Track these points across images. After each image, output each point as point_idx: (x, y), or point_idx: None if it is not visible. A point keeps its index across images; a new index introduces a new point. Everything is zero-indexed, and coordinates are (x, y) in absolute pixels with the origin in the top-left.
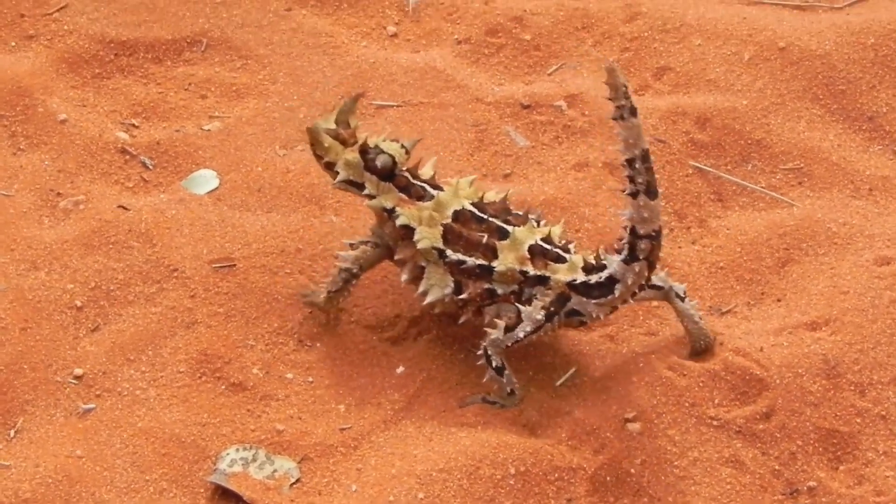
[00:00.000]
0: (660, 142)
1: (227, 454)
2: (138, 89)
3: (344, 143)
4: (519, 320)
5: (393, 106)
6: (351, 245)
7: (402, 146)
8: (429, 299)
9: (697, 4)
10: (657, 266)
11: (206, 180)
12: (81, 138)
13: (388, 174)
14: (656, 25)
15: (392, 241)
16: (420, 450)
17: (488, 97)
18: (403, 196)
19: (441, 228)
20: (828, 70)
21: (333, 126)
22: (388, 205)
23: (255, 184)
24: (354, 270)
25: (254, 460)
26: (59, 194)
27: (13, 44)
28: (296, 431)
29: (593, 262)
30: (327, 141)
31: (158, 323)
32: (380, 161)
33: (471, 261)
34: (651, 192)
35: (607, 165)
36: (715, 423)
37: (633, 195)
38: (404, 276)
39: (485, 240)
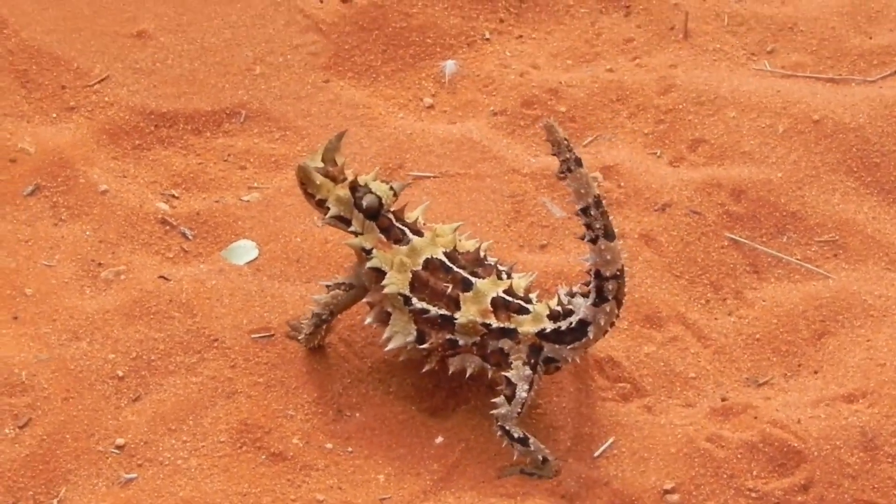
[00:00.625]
0: (695, 213)
1: None
2: (178, 160)
3: (334, 179)
4: (512, 385)
5: (430, 177)
6: (328, 287)
7: (391, 188)
8: (391, 346)
9: (731, 77)
10: (623, 302)
11: (245, 251)
12: (122, 209)
13: (374, 214)
14: (691, 98)
15: (367, 281)
16: None
17: (524, 168)
18: (382, 238)
19: (410, 275)
20: (861, 143)
21: (321, 164)
22: (367, 245)
23: (294, 254)
24: (324, 316)
25: None
26: (100, 265)
27: (54, 115)
28: (336, 501)
29: (559, 308)
30: (318, 178)
31: (199, 393)
32: (366, 200)
33: (434, 310)
34: (609, 235)
35: (643, 237)
36: (753, 494)
37: (594, 241)
38: (369, 319)
39: (449, 290)
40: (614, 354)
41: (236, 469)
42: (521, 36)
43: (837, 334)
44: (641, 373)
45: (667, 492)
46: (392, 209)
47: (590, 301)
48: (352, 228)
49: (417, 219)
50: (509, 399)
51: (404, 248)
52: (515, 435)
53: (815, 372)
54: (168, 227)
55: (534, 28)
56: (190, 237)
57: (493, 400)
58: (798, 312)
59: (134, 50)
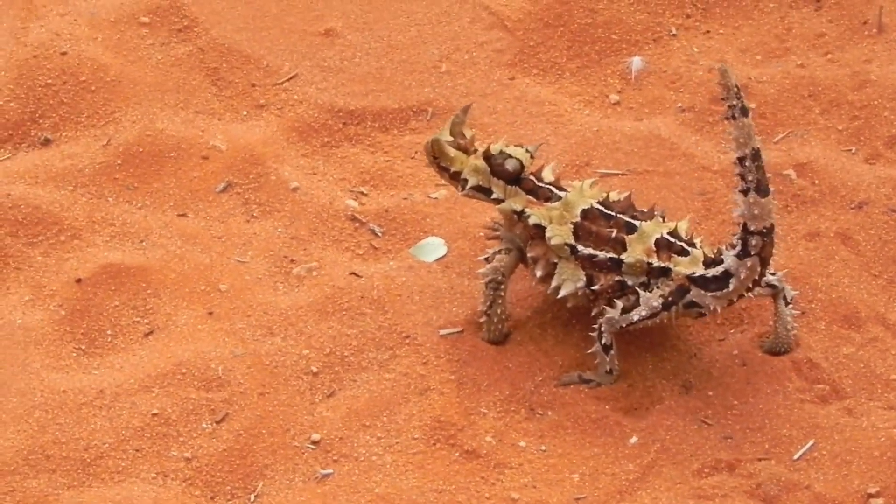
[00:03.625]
0: (893, 212)
1: None
2: (366, 157)
3: (466, 151)
4: (636, 304)
5: (618, 174)
6: (486, 259)
7: (527, 150)
8: (563, 293)
9: None
10: (770, 263)
11: (434, 248)
12: (312, 206)
13: (516, 178)
14: (886, 93)
15: (523, 241)
16: None
17: (714, 165)
18: (531, 198)
19: (571, 226)
20: None
21: (451, 138)
22: (518, 207)
23: (482, 252)
24: (499, 279)
25: None
26: (292, 261)
27: (245, 113)
28: (531, 500)
29: (713, 256)
30: (452, 151)
31: (392, 389)
32: (509, 165)
33: (601, 254)
34: (762, 190)
35: (839, 235)
36: None
37: (744, 192)
38: (538, 273)
39: (614, 234)
40: (812, 356)
41: (431, 466)
42: (708, 31)
43: None
44: (841, 374)
45: (871, 496)
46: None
47: (734, 252)
48: (493, 196)
49: (556, 178)
50: (625, 310)
51: (557, 204)
52: (605, 340)
53: None
54: (358, 224)
55: (721, 23)
56: (379, 234)
57: (612, 301)
58: None
59: (322, 48)
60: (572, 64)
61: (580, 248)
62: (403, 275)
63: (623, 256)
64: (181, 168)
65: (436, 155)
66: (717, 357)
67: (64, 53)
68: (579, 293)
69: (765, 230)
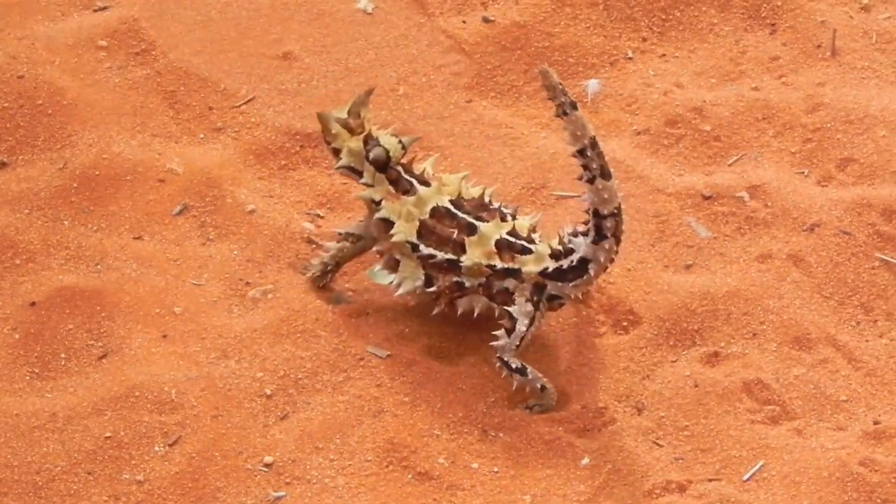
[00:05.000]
0: (845, 234)
1: None
2: (323, 180)
3: (351, 131)
4: (513, 320)
5: (573, 196)
6: (339, 234)
7: (400, 141)
8: (401, 291)
9: (881, 95)
10: (621, 240)
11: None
12: (269, 228)
13: (381, 166)
14: (839, 116)
15: (375, 232)
16: None
17: (669, 188)
18: (391, 189)
19: (417, 223)
20: None
21: (345, 116)
22: (377, 197)
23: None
24: (330, 266)
25: None
26: (247, 284)
27: (202, 136)
28: None
29: (560, 247)
30: (335, 128)
31: (346, 411)
32: (373, 153)
33: (440, 255)
34: (606, 175)
35: (792, 257)
36: None
37: (591, 181)
38: (378, 267)
39: (455, 235)
40: (763, 376)
41: (383, 488)
42: (664, 55)
43: None
44: (791, 395)
45: None
46: (401, 162)
47: (589, 239)
48: (363, 180)
49: (425, 170)
50: (509, 332)
51: (411, 199)
52: (514, 365)
53: None
54: (314, 247)
55: (677, 46)
56: None
57: (493, 333)
58: None
59: (280, 71)
60: (529, 87)
61: (422, 247)
62: (359, 297)
63: (462, 259)
64: (137, 191)
65: (322, 128)
66: (670, 378)
67: (21, 77)
68: (418, 292)
69: (615, 210)
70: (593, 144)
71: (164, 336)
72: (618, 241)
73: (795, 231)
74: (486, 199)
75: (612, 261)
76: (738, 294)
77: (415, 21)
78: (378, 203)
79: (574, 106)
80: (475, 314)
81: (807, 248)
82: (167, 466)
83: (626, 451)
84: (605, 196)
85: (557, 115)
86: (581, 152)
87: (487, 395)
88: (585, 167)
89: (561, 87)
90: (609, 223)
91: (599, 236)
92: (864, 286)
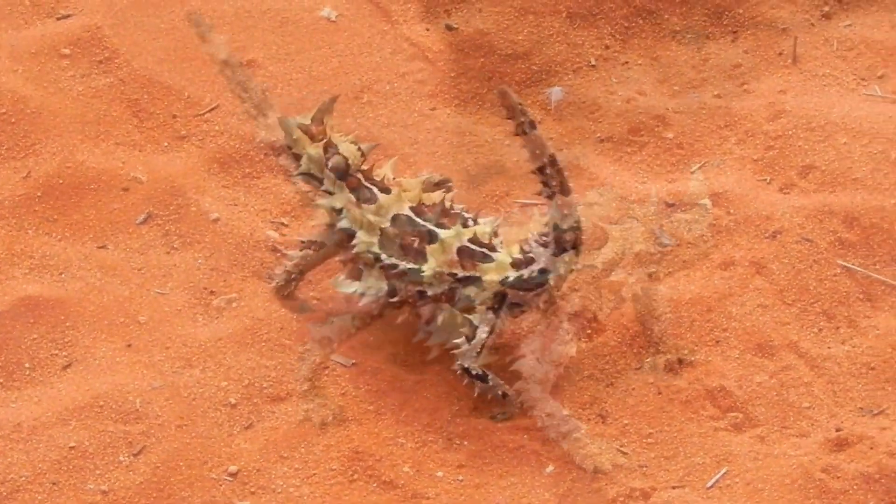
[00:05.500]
0: (807, 241)
1: None
2: (287, 188)
3: (312, 138)
4: (473, 327)
5: (537, 204)
6: (302, 243)
7: (359, 149)
8: (364, 301)
9: (842, 103)
10: (581, 251)
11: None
12: (233, 237)
13: (340, 174)
14: (801, 124)
15: (338, 241)
16: None
17: (632, 195)
18: (352, 198)
19: (379, 233)
20: None
21: (308, 122)
22: (338, 205)
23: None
24: (294, 275)
25: None
26: (212, 292)
27: (166, 144)
28: None
29: (521, 256)
30: (296, 133)
31: (311, 420)
32: (332, 161)
33: (402, 265)
34: (565, 190)
35: (754, 264)
36: None
37: (550, 197)
38: (342, 277)
39: (416, 244)
40: (726, 384)
41: (348, 497)
42: (626, 62)
43: None
44: (754, 402)
45: None
46: (361, 169)
47: (550, 251)
48: (324, 187)
49: (385, 175)
50: (469, 339)
51: (372, 207)
52: (474, 372)
53: None
54: (278, 255)
55: (640, 54)
56: None
57: (454, 341)
58: None
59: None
60: (492, 95)
61: (384, 257)
62: (324, 306)
63: (423, 268)
64: (101, 200)
65: (284, 134)
66: (633, 386)
67: None
68: (381, 301)
69: (575, 224)
70: (552, 162)
71: (129, 345)
72: (578, 253)
73: (758, 238)
74: (448, 204)
75: (571, 271)
76: (701, 301)
77: (378, 29)
78: (339, 211)
79: (533, 125)
80: (438, 322)
81: (769, 255)
82: (132, 476)
83: (591, 458)
84: (566, 211)
85: (517, 134)
86: (540, 170)
87: (452, 403)
88: (545, 184)
89: (520, 106)
90: (569, 236)
91: (560, 249)
92: (826, 293)
